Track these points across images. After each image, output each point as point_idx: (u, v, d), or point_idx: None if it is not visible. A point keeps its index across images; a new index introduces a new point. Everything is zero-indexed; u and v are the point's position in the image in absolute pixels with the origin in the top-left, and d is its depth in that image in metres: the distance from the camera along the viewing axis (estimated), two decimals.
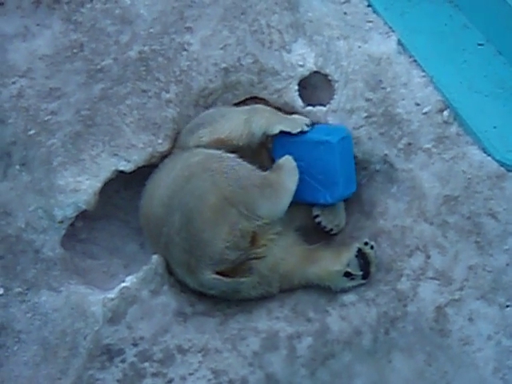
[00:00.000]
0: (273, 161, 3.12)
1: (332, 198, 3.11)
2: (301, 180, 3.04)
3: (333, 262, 3.05)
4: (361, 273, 3.03)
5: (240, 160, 3.01)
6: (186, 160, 3.03)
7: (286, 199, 2.97)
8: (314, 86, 3.46)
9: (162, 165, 3.20)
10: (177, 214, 2.92)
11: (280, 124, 3.12)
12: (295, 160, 3.05)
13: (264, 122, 3.12)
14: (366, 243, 3.05)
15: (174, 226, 2.92)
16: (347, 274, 3.02)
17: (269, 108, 3.22)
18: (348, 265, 3.02)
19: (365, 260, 3.03)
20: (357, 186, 3.21)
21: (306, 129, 3.11)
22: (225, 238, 2.89)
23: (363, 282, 3.04)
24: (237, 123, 3.13)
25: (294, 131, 3.10)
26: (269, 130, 3.11)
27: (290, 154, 3.07)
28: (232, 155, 3.01)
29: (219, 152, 3.03)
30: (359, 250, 3.03)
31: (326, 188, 3.10)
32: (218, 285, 2.96)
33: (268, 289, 3.07)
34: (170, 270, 3.06)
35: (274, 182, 2.98)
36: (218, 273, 2.92)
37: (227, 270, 2.95)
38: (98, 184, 3.14)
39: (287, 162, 3.05)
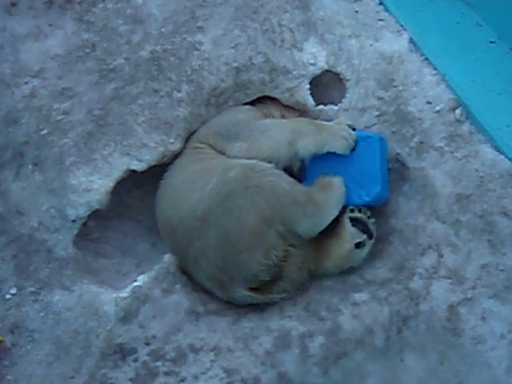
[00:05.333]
0: None
1: (369, 196, 3.07)
2: None
3: (340, 247, 3.07)
4: (365, 235, 3.07)
5: (279, 172, 2.96)
6: (222, 174, 2.94)
7: (326, 222, 2.98)
8: (326, 85, 3.46)
9: (177, 166, 3.19)
10: (213, 231, 2.89)
11: (327, 145, 3.03)
12: (330, 159, 3.05)
13: (311, 146, 3.01)
14: (352, 210, 3.08)
15: (209, 243, 2.90)
16: (357, 246, 3.06)
17: (311, 123, 3.11)
18: (353, 237, 3.05)
19: (361, 223, 3.08)
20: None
21: (352, 144, 3.05)
22: (260, 261, 2.89)
23: (372, 241, 3.10)
24: (279, 146, 3.03)
25: (343, 152, 3.04)
26: (322, 150, 3.04)
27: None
28: (270, 166, 2.96)
29: (257, 164, 2.96)
30: (351, 219, 3.06)
31: (361, 187, 3.07)
32: (250, 300, 2.99)
33: (299, 288, 3.07)
34: (182, 270, 3.07)
35: (319, 201, 2.96)
36: (250, 288, 2.95)
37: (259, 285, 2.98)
38: (110, 183, 3.15)
39: (338, 183, 3.03)
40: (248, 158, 3.03)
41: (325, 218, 2.98)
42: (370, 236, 3.10)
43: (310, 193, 2.98)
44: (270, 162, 3.00)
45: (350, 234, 3.06)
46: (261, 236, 2.88)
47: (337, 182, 3.04)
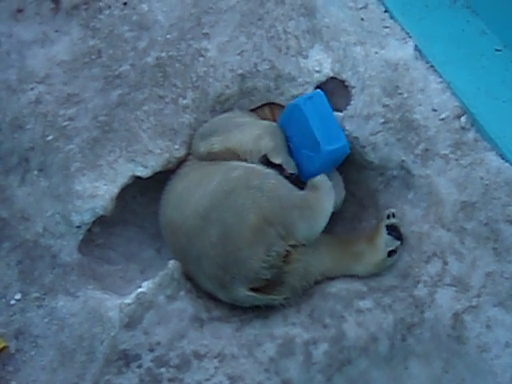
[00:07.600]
0: None
1: (317, 155, 3.00)
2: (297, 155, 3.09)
3: (374, 254, 3.07)
4: (399, 242, 3.07)
5: (280, 177, 2.97)
6: (225, 174, 2.97)
7: (324, 221, 2.94)
8: (331, 92, 3.44)
9: (179, 174, 3.20)
10: (214, 228, 2.89)
11: (281, 156, 3.05)
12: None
13: (271, 145, 3.03)
14: (388, 216, 3.10)
15: (211, 241, 2.89)
16: (390, 254, 3.06)
17: (280, 133, 3.12)
18: (387, 246, 3.05)
19: (394, 229, 3.08)
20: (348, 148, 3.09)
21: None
22: (261, 258, 2.87)
23: (401, 245, 3.08)
24: (248, 138, 3.07)
25: (291, 170, 3.05)
26: (272, 156, 3.05)
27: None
28: (271, 171, 2.98)
29: (259, 167, 2.99)
30: (387, 227, 3.08)
31: (311, 150, 3.02)
32: (252, 301, 2.97)
33: (301, 296, 3.07)
34: (186, 276, 3.07)
35: (313, 203, 2.94)
36: (251, 289, 2.93)
37: (260, 285, 2.96)
38: (115, 189, 3.16)
39: (323, 181, 3.01)
40: (219, 151, 3.10)
41: (321, 218, 2.94)
42: (401, 241, 3.09)
43: (305, 197, 2.96)
44: (241, 155, 3.06)
45: (384, 244, 3.06)
46: (262, 233, 2.87)
47: (321, 180, 3.01)
